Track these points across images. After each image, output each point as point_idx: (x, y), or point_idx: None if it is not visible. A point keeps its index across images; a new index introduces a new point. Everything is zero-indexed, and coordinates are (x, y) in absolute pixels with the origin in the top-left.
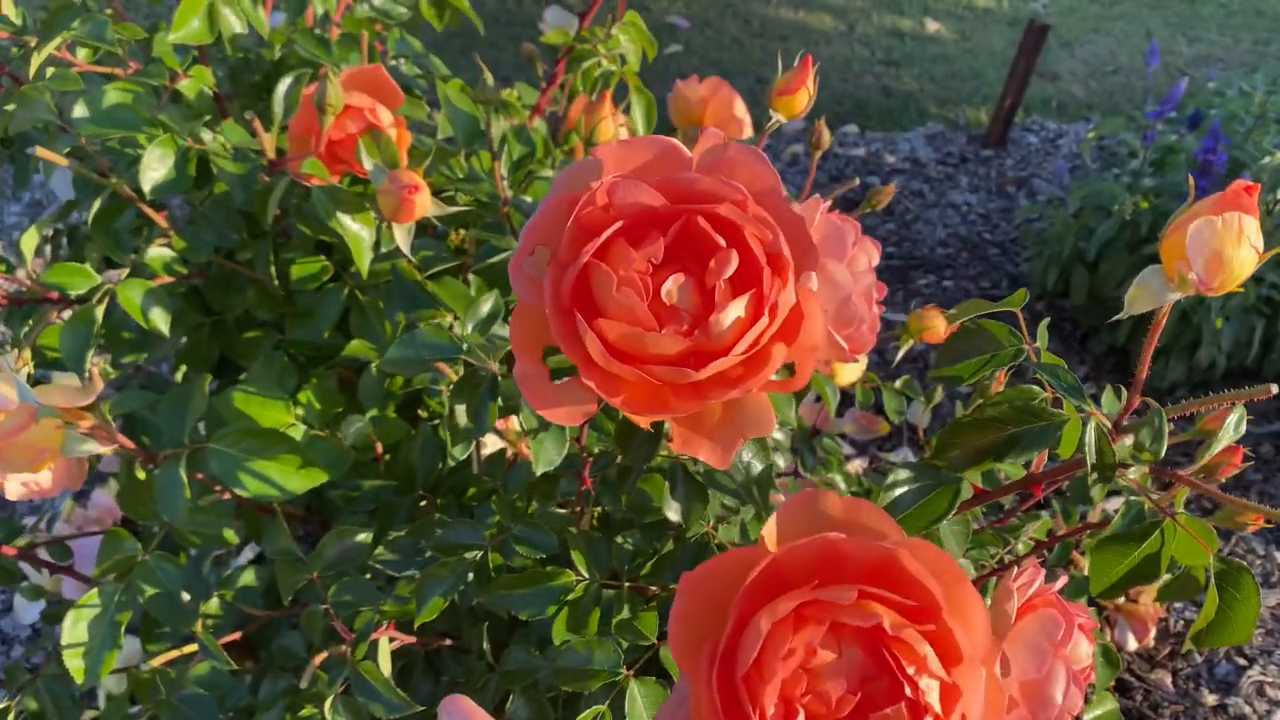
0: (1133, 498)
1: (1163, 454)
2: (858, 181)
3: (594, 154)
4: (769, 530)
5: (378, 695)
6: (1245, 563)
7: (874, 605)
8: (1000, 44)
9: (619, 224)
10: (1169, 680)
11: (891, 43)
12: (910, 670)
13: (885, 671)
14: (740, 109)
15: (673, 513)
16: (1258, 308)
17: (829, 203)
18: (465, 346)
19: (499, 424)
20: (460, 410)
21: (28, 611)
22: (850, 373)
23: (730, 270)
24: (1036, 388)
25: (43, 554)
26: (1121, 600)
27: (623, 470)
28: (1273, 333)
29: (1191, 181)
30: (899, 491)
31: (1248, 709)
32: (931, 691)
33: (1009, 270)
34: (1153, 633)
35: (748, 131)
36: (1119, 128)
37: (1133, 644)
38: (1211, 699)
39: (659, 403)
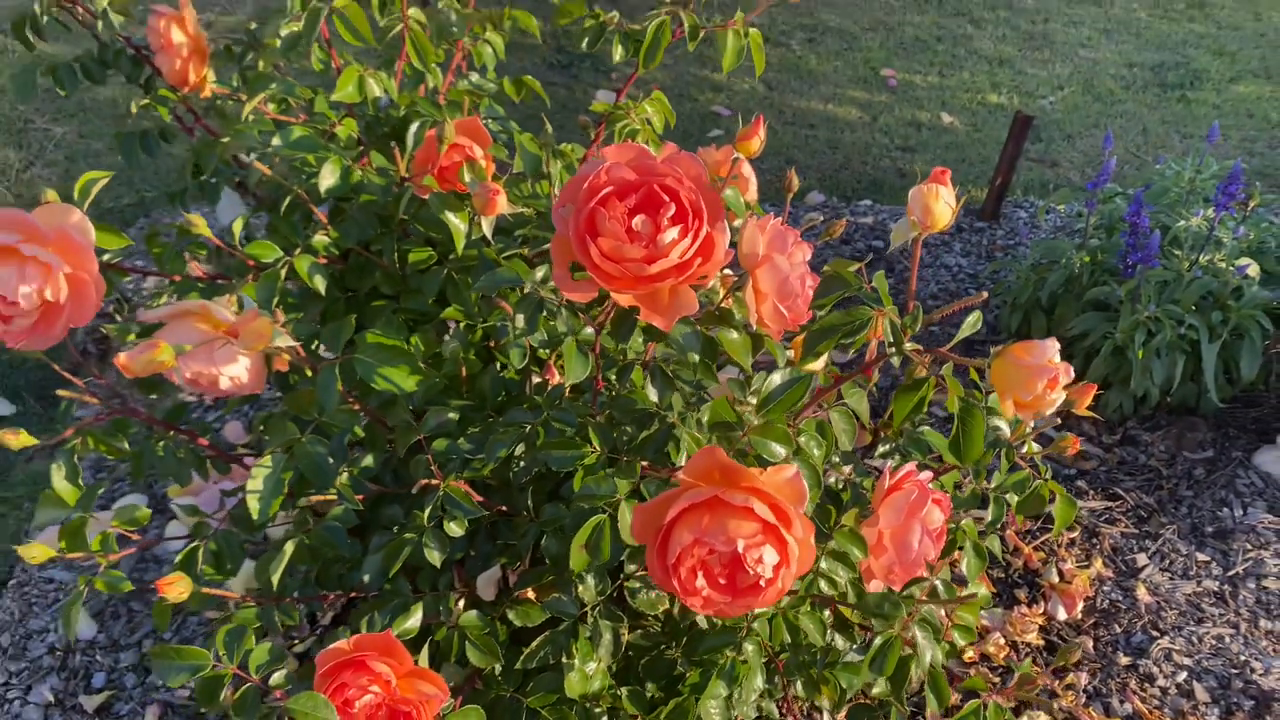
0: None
1: (918, 329)
2: (821, 220)
3: (601, 152)
4: (684, 470)
5: (460, 506)
6: (1168, 555)
7: (736, 531)
8: (1007, 136)
9: (611, 188)
10: (1090, 645)
11: (909, 132)
12: (753, 562)
13: (742, 563)
14: (747, 169)
15: (652, 394)
16: (1181, 346)
17: (782, 220)
18: (525, 281)
19: (547, 374)
20: (520, 318)
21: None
22: (813, 364)
23: (670, 213)
24: (866, 307)
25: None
26: (1056, 580)
27: (621, 369)
28: (1196, 369)
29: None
30: (772, 387)
31: (1155, 670)
32: (766, 568)
33: (987, 319)
34: (1080, 607)
35: (752, 184)
36: (1067, 198)
37: (1063, 615)
38: (1125, 660)
39: (630, 285)
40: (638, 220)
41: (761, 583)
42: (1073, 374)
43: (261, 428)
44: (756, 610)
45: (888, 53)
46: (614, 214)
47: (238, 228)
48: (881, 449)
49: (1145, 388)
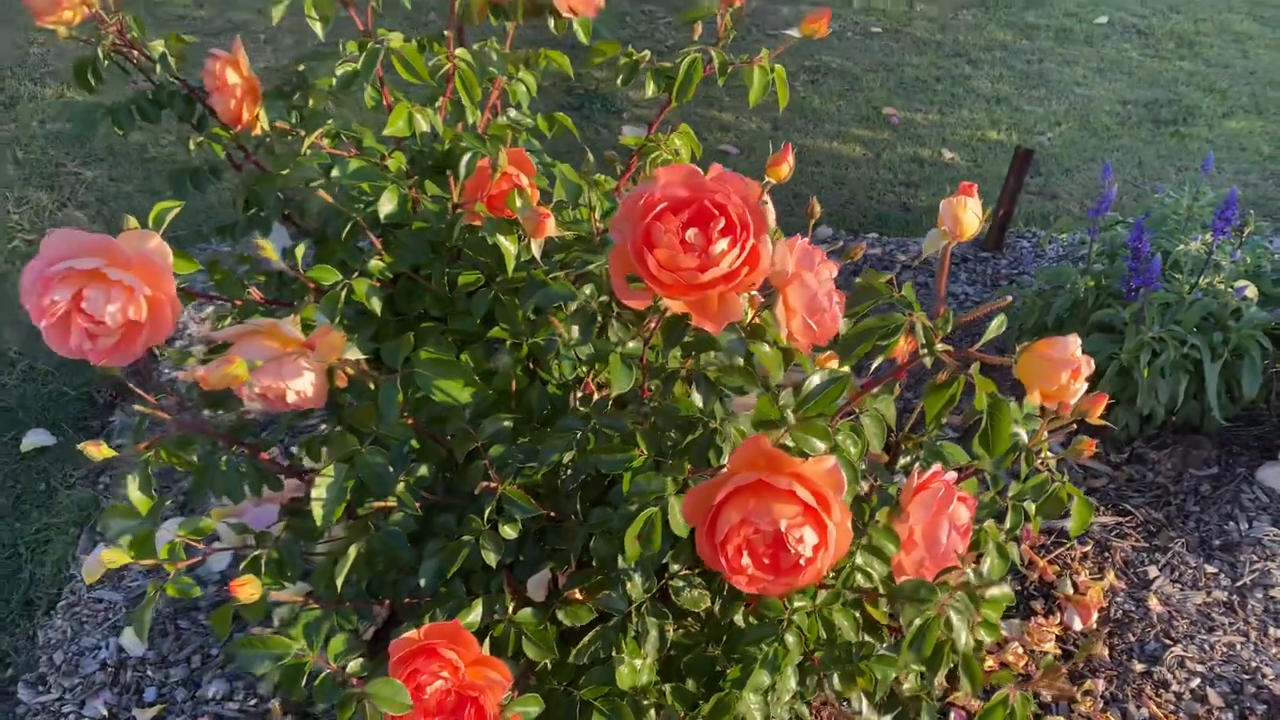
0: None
1: (948, 331)
2: (840, 244)
3: (653, 172)
4: (732, 458)
5: (519, 506)
6: (1177, 568)
7: (780, 512)
8: (1007, 170)
9: (665, 203)
10: (1106, 653)
11: (911, 168)
12: (795, 542)
13: (785, 542)
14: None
15: (697, 399)
16: (1184, 366)
17: (808, 240)
18: (577, 294)
19: (588, 388)
20: (575, 329)
21: (218, 560)
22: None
23: (720, 226)
24: (898, 314)
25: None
26: (1070, 592)
27: (667, 377)
28: (1199, 388)
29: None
30: (812, 386)
31: (1169, 676)
32: (806, 548)
33: (995, 344)
34: (1095, 617)
35: (771, 212)
36: (1069, 227)
37: (1078, 625)
38: (1140, 667)
39: (683, 292)
40: (691, 233)
41: (802, 562)
42: (1093, 365)
43: (304, 452)
44: (795, 604)
45: (889, 92)
46: (669, 227)
47: (299, 252)
48: (902, 461)
49: (1151, 406)
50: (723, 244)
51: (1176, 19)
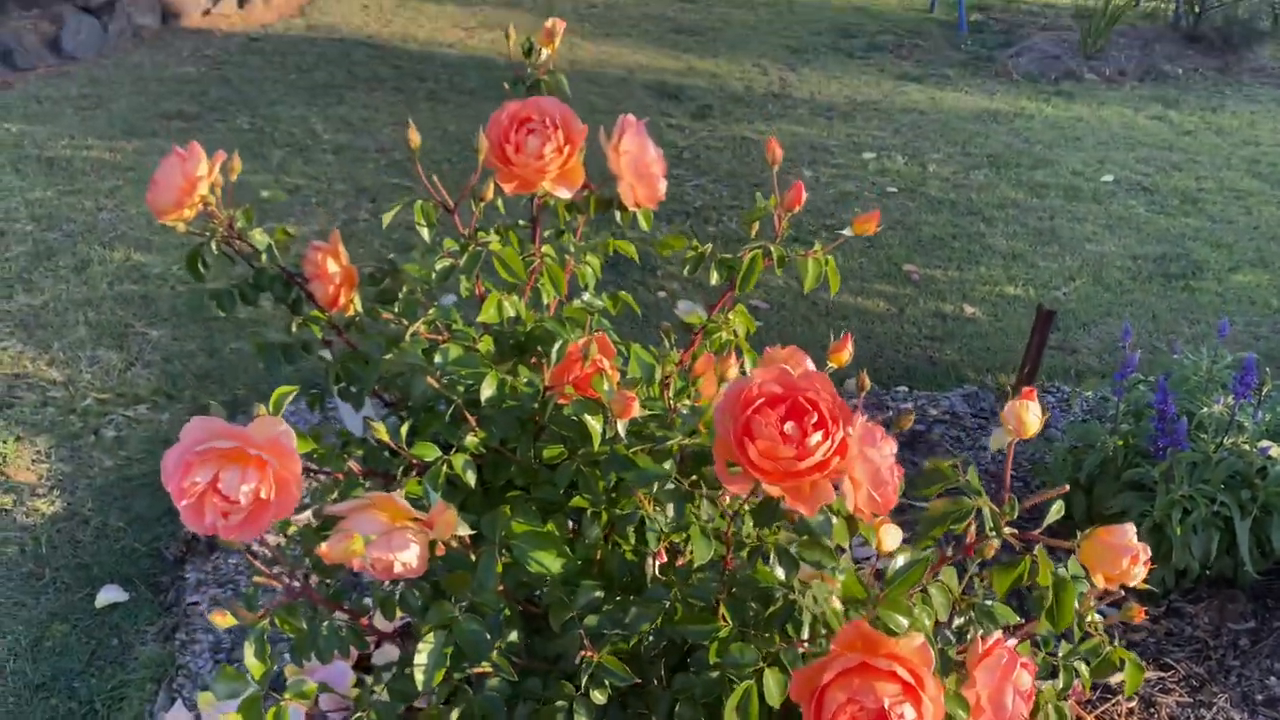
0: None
1: (1015, 516)
2: (894, 412)
3: (751, 372)
4: (835, 641)
5: (612, 674)
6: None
7: (883, 691)
8: (1027, 324)
9: (763, 399)
10: None
11: (935, 323)
12: (896, 718)
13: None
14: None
15: (779, 572)
16: (1214, 523)
17: (864, 416)
18: (668, 474)
19: (659, 559)
20: (669, 507)
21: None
22: (892, 540)
23: (814, 420)
24: (965, 499)
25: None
26: None
27: (751, 551)
28: (1231, 543)
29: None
30: (897, 565)
31: None
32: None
33: (1026, 483)
34: None
35: None
36: (1093, 386)
37: None
38: None
39: (780, 479)
40: (788, 426)
41: None
42: (1149, 551)
43: (380, 611)
44: None
45: (908, 250)
46: (768, 421)
47: (404, 430)
48: (957, 622)
49: (1185, 562)
50: (817, 436)
51: (1179, 176)
